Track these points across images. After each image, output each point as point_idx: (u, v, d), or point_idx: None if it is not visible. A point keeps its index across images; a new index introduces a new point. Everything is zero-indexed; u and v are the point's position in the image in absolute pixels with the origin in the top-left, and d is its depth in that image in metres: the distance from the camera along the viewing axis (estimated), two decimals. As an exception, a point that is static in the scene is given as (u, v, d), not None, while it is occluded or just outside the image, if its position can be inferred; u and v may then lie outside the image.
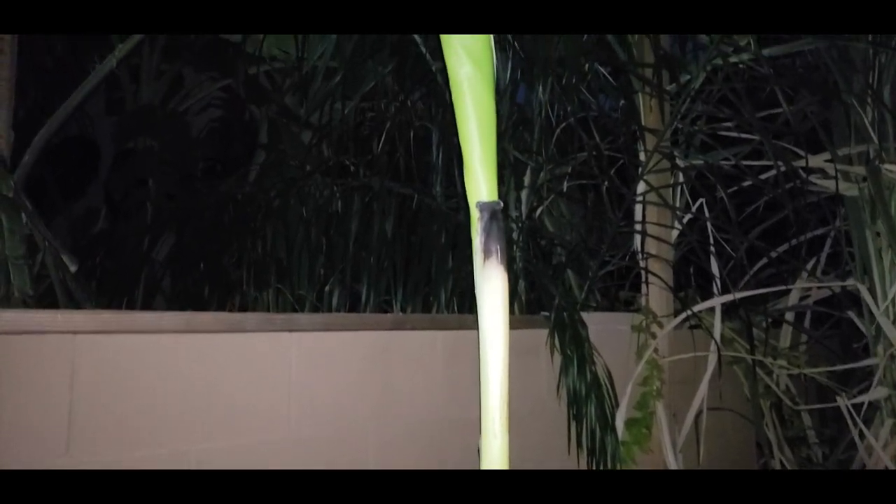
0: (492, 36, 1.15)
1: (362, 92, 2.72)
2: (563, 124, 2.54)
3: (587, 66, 2.52)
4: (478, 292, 1.04)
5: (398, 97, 2.85)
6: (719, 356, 2.41)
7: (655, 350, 2.36)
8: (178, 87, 3.30)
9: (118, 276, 2.52)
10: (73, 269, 1.72)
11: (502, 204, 1.07)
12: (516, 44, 2.45)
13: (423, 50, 2.53)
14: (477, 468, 0.91)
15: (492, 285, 1.00)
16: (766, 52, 2.41)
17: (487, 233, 1.04)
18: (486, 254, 1.02)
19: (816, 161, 2.55)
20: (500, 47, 2.50)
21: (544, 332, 2.15)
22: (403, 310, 2.34)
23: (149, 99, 3.25)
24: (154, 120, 2.84)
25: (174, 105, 3.22)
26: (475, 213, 1.06)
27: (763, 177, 2.58)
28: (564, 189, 2.64)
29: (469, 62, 1.12)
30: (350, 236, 2.59)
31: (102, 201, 3.00)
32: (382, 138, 2.75)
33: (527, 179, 2.58)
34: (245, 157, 3.51)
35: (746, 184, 2.59)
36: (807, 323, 2.90)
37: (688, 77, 2.46)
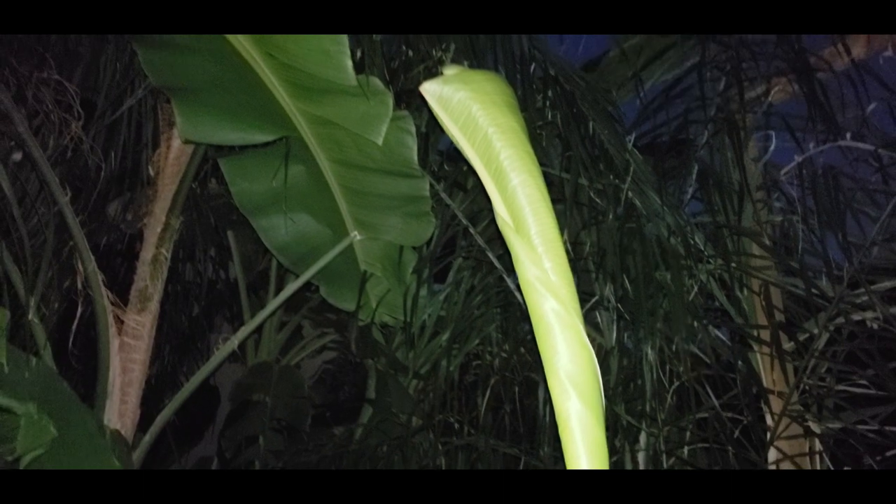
0: (598, 368, 1.13)
1: (468, 349, 2.77)
2: (676, 384, 2.43)
3: (695, 324, 2.46)
4: None
5: (503, 347, 2.87)
6: None
7: None
8: (297, 338, 3.52)
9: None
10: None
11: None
12: (619, 305, 2.45)
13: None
14: None
15: None
16: (894, 310, 2.26)
17: None
18: None
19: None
20: (603, 307, 2.51)
21: None
22: None
23: (269, 349, 3.46)
24: (270, 375, 2.99)
25: (292, 356, 3.42)
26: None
27: (916, 445, 2.29)
28: (685, 454, 2.45)
29: (577, 397, 1.09)
30: None
31: (215, 452, 3.10)
32: (487, 394, 2.73)
33: (642, 440, 2.43)
34: (354, 402, 3.58)
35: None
36: None
37: (807, 335, 2.34)
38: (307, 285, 2.63)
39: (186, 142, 2.29)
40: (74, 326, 2.18)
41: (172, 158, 2.42)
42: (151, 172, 2.42)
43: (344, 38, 1.81)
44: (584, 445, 1.06)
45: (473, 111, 1.32)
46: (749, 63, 2.36)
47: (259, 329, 3.66)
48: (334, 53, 1.83)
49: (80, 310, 2.19)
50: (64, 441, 1.51)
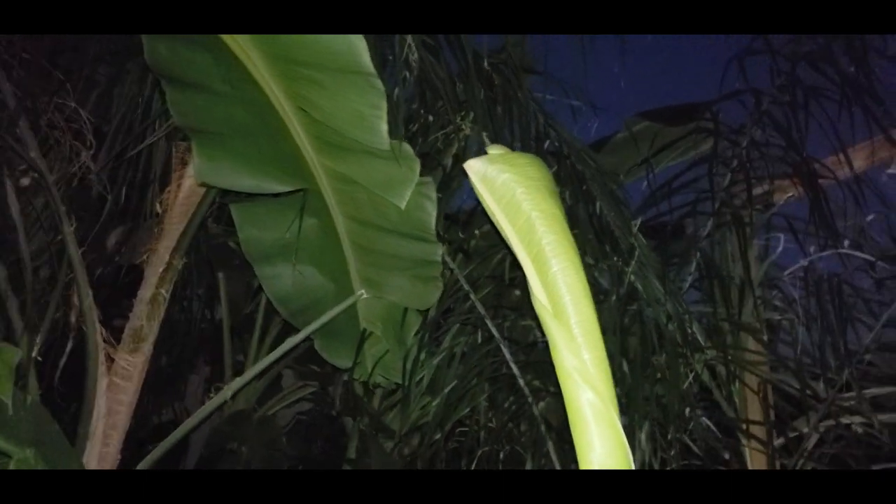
0: (633, 463, 1.13)
1: (458, 416, 2.73)
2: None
3: (688, 412, 2.47)
4: None
5: (490, 417, 2.83)
6: None
7: None
8: (276, 387, 3.44)
9: None
10: None
11: None
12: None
13: (522, 383, 2.56)
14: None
15: None
16: (882, 417, 2.31)
17: None
18: None
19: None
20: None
21: None
22: None
23: (247, 396, 3.36)
24: (248, 425, 2.91)
25: (270, 405, 3.32)
26: None
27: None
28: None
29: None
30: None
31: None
32: (473, 465, 2.68)
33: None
34: (329, 457, 3.48)
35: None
36: None
37: (796, 433, 2.37)
38: (289, 332, 2.59)
39: (201, 184, 2.27)
40: (63, 362, 2.10)
41: (182, 198, 2.40)
42: (159, 210, 2.39)
43: (382, 103, 1.84)
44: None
45: (517, 194, 1.34)
46: (758, 162, 2.45)
47: (238, 375, 3.56)
48: (369, 116, 1.85)
49: (70, 344, 2.11)
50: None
